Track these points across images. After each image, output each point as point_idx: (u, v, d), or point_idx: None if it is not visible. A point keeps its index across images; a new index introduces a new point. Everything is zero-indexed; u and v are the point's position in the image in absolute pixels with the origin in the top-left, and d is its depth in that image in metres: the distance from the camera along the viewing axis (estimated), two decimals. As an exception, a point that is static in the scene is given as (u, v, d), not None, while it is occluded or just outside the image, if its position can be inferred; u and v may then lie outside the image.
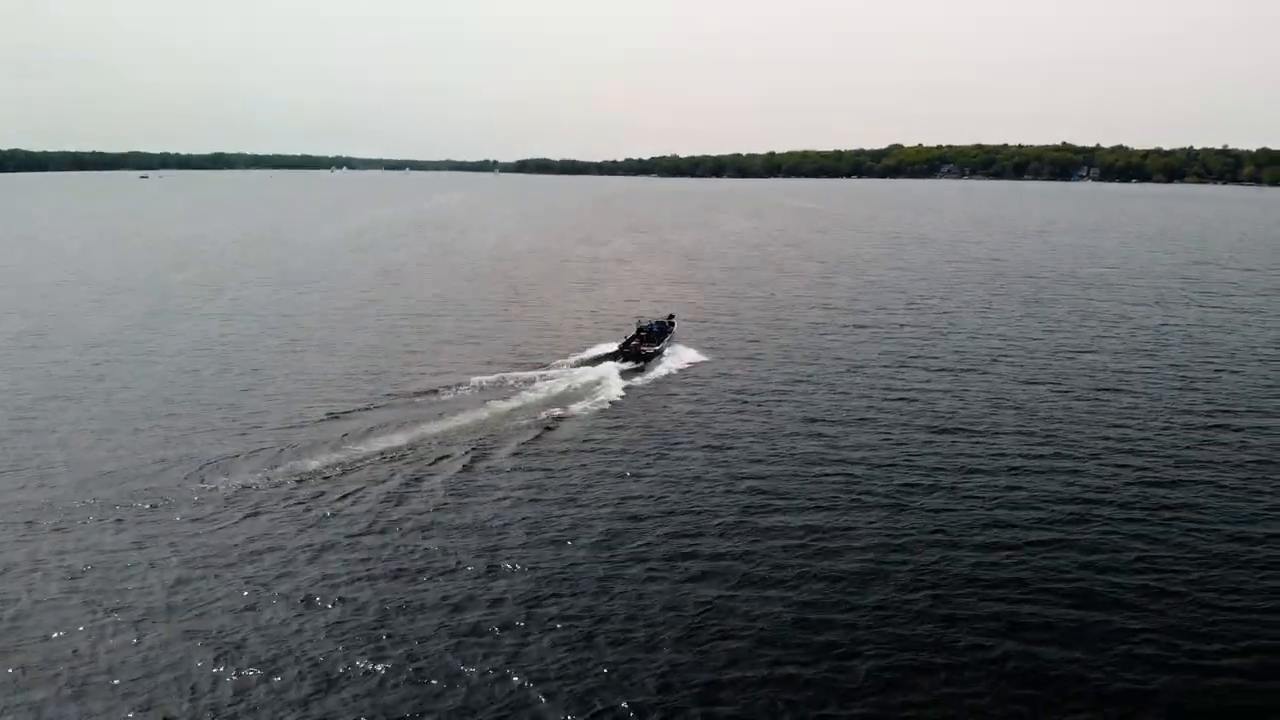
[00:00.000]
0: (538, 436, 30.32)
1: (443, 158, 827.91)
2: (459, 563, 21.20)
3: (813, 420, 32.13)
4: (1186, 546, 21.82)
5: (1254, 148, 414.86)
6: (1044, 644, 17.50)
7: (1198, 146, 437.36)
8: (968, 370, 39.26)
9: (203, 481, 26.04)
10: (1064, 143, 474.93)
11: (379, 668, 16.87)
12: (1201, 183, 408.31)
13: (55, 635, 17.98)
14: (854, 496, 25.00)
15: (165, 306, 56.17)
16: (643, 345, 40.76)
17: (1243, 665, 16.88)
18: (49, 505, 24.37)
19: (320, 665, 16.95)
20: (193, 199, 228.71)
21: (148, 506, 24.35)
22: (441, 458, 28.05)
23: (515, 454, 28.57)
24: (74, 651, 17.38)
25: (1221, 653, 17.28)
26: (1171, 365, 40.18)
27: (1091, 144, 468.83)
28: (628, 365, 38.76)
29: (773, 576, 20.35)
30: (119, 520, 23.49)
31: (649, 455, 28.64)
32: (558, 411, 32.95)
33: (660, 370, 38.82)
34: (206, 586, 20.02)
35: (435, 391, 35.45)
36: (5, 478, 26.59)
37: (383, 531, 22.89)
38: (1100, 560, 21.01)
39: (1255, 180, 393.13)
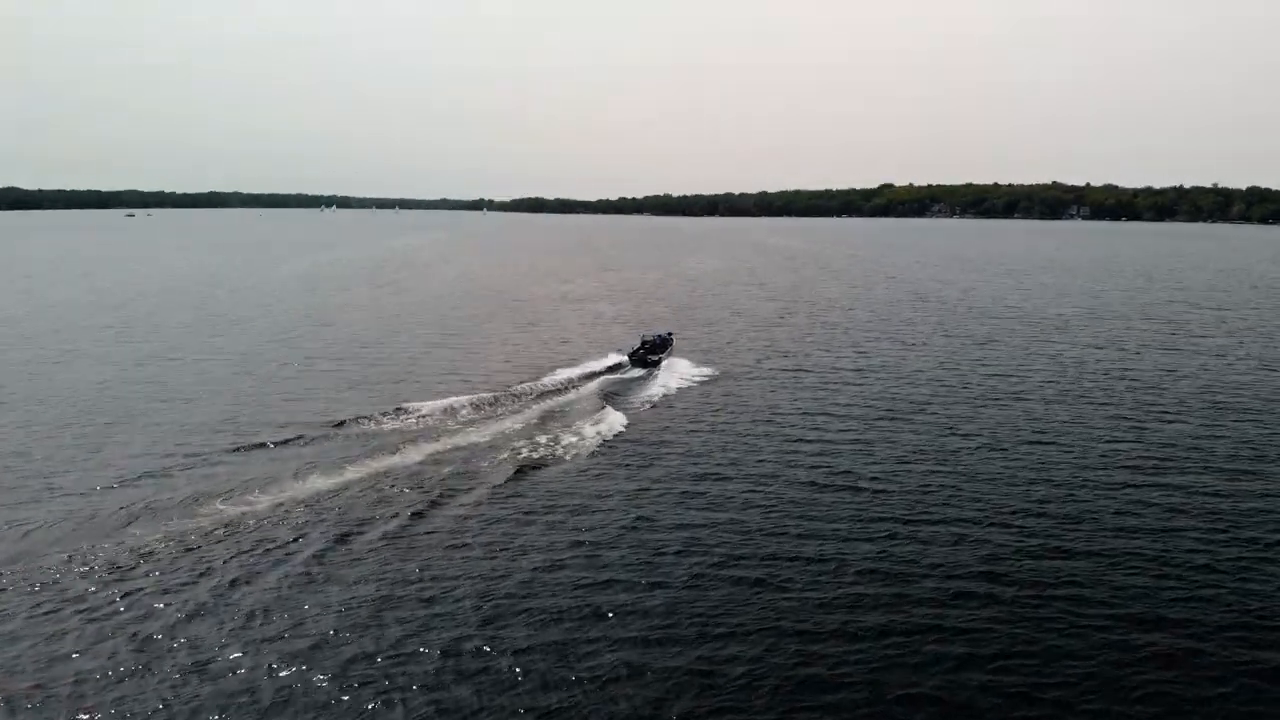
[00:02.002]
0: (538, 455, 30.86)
1: (438, 196, 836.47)
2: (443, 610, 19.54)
3: (783, 427, 34.84)
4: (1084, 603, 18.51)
5: (1244, 186, 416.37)
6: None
7: (1188, 185, 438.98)
8: (895, 418, 35.64)
9: (126, 524, 24.42)
10: (1054, 181, 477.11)
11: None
12: (1192, 221, 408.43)
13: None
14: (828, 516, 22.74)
15: (72, 349, 52.58)
16: (648, 354, 47.08)
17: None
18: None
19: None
20: (170, 238, 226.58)
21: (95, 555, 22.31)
22: (422, 487, 27.54)
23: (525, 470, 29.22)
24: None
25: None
26: (1115, 414, 36.48)
27: (1082, 183, 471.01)
28: (637, 371, 45.20)
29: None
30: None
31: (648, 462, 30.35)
32: (567, 423, 35.02)
33: (660, 377, 44.04)
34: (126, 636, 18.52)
35: (401, 413, 35.98)
36: None
37: (343, 570, 21.58)
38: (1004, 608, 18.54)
39: (1245, 219, 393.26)
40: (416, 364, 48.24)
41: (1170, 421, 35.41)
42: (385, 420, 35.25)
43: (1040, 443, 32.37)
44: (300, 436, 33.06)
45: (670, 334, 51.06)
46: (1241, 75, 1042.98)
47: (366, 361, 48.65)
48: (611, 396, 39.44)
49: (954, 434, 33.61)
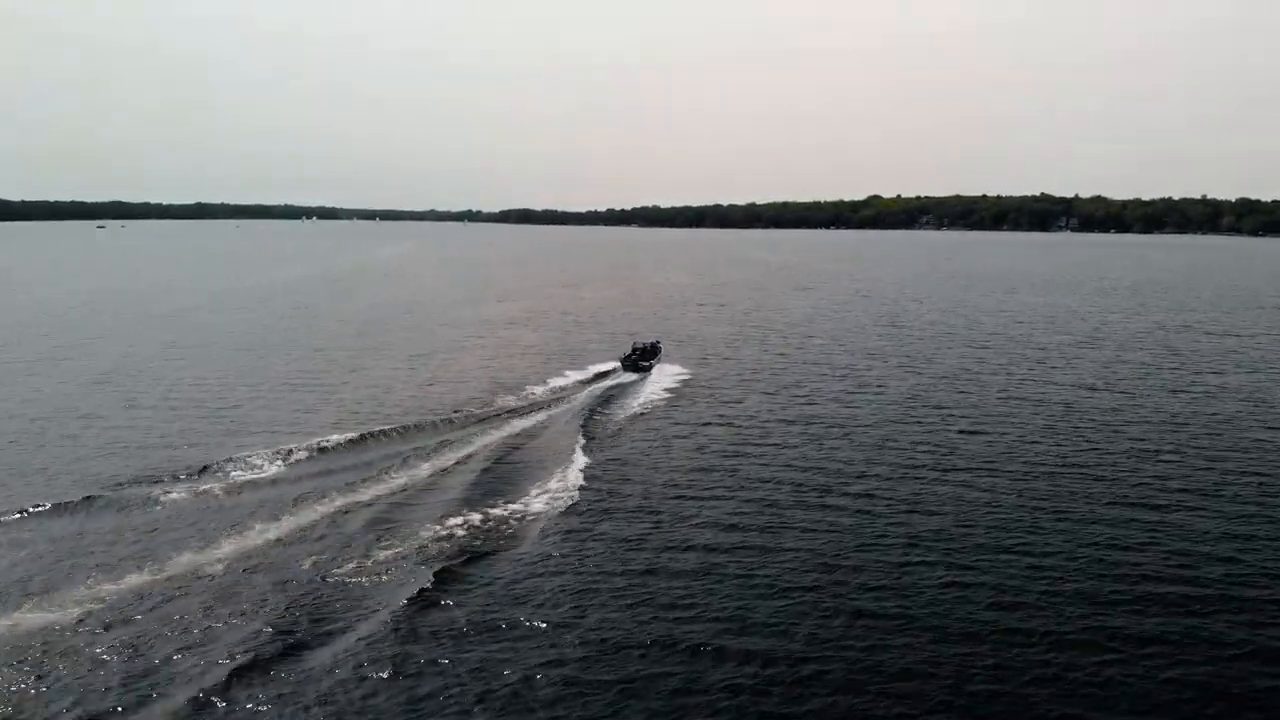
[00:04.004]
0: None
1: (427, 208, 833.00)
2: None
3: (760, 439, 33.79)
4: None
5: (1233, 198, 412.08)
6: None
7: (1177, 196, 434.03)
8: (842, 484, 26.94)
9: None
10: (1042, 193, 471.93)
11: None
12: (1181, 232, 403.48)
13: None
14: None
15: None
16: (640, 360, 48.82)
17: None
18: None
19: None
20: (123, 251, 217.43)
21: None
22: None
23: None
24: None
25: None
26: (1112, 490, 27.83)
27: (1070, 194, 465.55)
28: (630, 375, 46.85)
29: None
30: None
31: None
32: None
33: (651, 381, 45.78)
34: None
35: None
36: None
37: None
38: None
39: (1235, 230, 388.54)
40: (347, 390, 39.45)
41: (1184, 504, 26.81)
42: (282, 465, 28.83)
43: (1015, 547, 23.64)
44: (127, 495, 25.83)
45: (658, 341, 53.62)
46: (1225, 86, 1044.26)
47: (258, 393, 39.66)
48: (600, 409, 39.03)
49: (918, 510, 24.91)
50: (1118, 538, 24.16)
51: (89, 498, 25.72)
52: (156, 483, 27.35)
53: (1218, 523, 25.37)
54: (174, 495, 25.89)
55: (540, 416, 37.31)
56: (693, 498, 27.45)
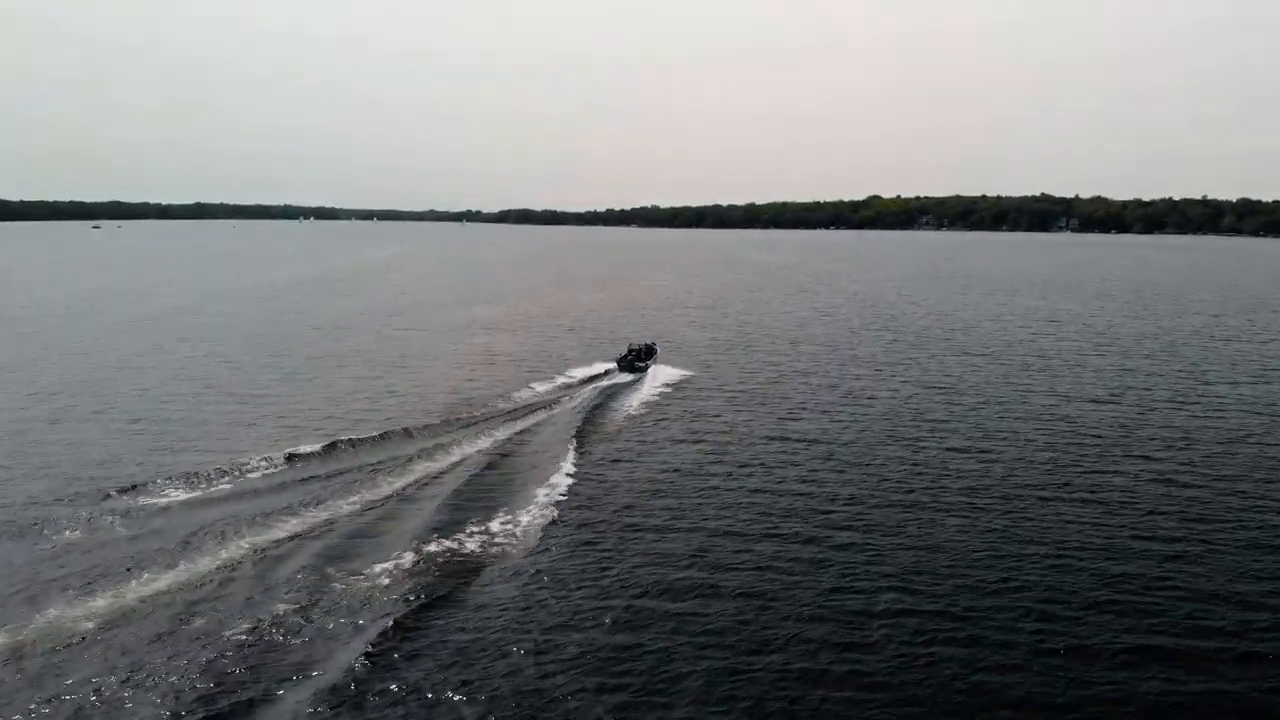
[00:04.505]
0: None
1: (426, 208, 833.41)
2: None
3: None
4: None
5: (1234, 198, 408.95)
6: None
7: (1177, 197, 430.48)
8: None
9: None
10: (1042, 193, 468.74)
11: None
12: (1181, 233, 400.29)
13: None
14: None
15: None
16: (636, 361, 48.53)
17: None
18: None
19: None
20: (123, 252, 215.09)
21: None
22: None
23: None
24: None
25: None
26: (1118, 526, 25.10)
27: (1070, 194, 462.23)
28: (626, 376, 46.47)
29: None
30: None
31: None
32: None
33: (645, 384, 44.95)
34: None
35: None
36: None
37: None
38: None
39: (1235, 231, 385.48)
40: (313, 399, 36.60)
41: (1196, 535, 24.06)
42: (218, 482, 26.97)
43: (1002, 589, 20.90)
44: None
45: (654, 343, 53.39)
46: (1227, 86, 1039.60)
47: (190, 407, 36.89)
48: (588, 420, 36.66)
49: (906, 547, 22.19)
50: (1121, 578, 21.43)
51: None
52: (53, 510, 24.67)
53: (1234, 559, 22.64)
54: (67, 534, 23.08)
55: (516, 428, 35.03)
56: (653, 528, 24.77)
